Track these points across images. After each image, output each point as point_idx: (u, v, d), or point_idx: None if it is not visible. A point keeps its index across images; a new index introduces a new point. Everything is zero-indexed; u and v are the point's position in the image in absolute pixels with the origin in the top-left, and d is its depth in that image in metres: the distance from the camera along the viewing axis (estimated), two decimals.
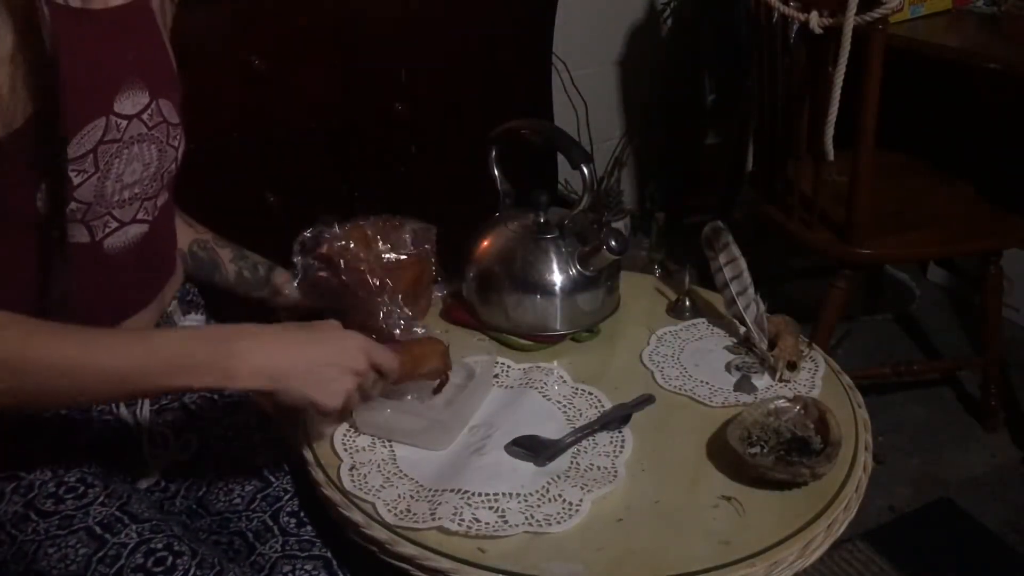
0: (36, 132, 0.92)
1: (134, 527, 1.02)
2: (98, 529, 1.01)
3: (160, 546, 1.01)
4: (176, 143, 1.10)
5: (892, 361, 2.18)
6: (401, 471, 1.04)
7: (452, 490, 1.00)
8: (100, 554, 1.00)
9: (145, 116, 1.04)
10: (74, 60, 0.94)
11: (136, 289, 1.12)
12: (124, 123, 1.01)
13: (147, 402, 1.14)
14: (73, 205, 0.98)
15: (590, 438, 1.08)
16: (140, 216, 1.08)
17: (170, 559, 1.00)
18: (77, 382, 0.89)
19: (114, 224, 1.05)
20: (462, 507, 0.97)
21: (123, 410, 1.12)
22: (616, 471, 1.03)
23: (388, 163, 2.04)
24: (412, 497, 0.99)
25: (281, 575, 1.05)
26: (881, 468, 2.04)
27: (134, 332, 0.98)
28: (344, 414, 1.05)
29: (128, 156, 1.02)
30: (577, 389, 1.17)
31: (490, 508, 0.98)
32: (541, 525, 0.96)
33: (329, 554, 1.07)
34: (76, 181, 0.97)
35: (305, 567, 1.05)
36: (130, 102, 1.02)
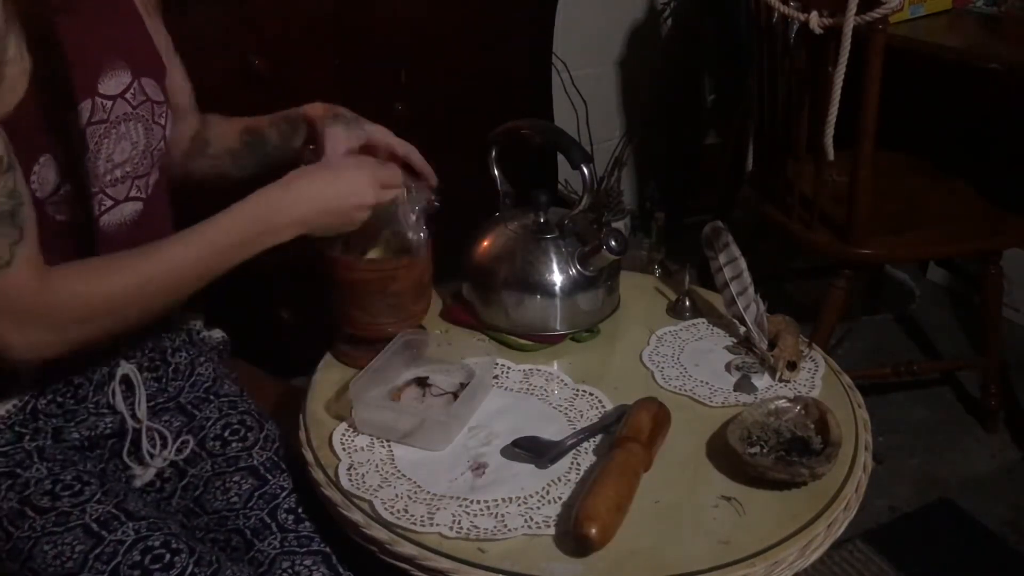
0: (26, 116, 0.93)
1: (131, 524, 1.02)
2: (95, 526, 1.01)
3: (157, 544, 1.01)
4: (163, 121, 1.12)
5: (892, 361, 2.18)
6: (399, 471, 1.03)
7: (451, 497, 1.00)
8: (97, 551, 1.00)
9: (128, 95, 1.06)
10: (61, 44, 0.96)
11: None
12: (109, 103, 1.03)
13: (144, 401, 1.14)
14: (67, 185, 0.99)
15: (591, 439, 1.08)
16: (134, 194, 1.09)
17: (168, 556, 1.00)
18: (167, 292, 1.01)
19: (108, 203, 1.06)
20: (460, 515, 0.97)
21: (121, 406, 1.12)
22: None
23: None
24: (410, 498, 0.99)
25: (280, 570, 1.05)
26: (881, 468, 2.04)
27: (191, 232, 1.02)
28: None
29: (116, 136, 1.05)
30: (578, 391, 1.16)
31: (489, 514, 0.97)
32: (540, 527, 0.96)
33: (328, 549, 1.08)
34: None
35: (304, 563, 1.06)
36: (113, 82, 1.04)
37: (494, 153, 1.32)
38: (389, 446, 1.07)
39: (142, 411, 1.13)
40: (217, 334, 1.30)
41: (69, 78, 0.97)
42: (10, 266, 0.91)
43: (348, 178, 1.09)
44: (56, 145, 0.97)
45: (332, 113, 1.22)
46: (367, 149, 1.22)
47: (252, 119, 1.30)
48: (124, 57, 1.06)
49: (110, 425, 1.12)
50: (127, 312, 0.99)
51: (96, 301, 0.97)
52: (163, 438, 1.15)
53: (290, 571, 1.05)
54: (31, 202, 0.95)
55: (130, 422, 1.13)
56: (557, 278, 1.24)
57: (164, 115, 1.12)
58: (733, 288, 1.27)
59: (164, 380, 1.19)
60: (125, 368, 1.13)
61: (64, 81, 0.97)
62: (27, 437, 1.07)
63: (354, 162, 1.15)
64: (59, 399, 1.09)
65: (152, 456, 1.14)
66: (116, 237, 1.07)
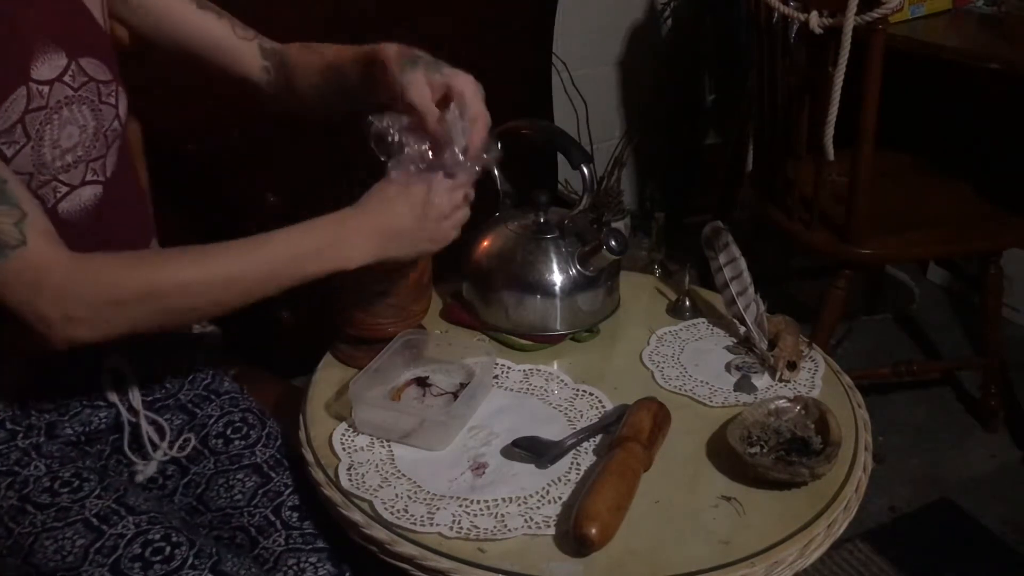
0: None
1: (131, 519, 1.02)
2: (95, 521, 1.02)
3: (158, 537, 1.01)
4: (112, 100, 1.08)
5: (892, 361, 2.18)
6: (399, 471, 1.04)
7: (451, 497, 1.00)
8: (97, 545, 1.00)
9: (67, 78, 1.02)
10: None
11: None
12: (46, 89, 1.00)
13: (139, 394, 1.14)
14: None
15: (591, 439, 1.08)
16: (90, 178, 1.06)
17: (168, 549, 1.00)
18: (214, 295, 0.98)
19: (64, 189, 1.04)
20: (460, 515, 0.97)
21: (113, 397, 1.12)
22: None
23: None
24: (410, 498, 0.99)
25: (286, 567, 1.05)
26: (881, 468, 2.04)
27: (253, 240, 1.00)
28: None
29: (60, 121, 1.01)
30: (578, 391, 1.16)
31: (489, 514, 0.98)
32: (540, 527, 0.96)
33: (331, 546, 1.08)
34: (8, 153, 0.97)
35: (310, 559, 1.06)
36: (47, 67, 1.00)
37: None
38: (389, 446, 1.07)
39: (136, 401, 1.13)
40: (213, 331, 1.30)
41: None
42: (25, 245, 0.90)
43: (397, 197, 1.04)
44: None
45: (409, 55, 1.09)
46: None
47: (337, 50, 1.18)
48: (56, 39, 1.02)
49: (104, 420, 1.12)
50: (169, 305, 0.96)
51: (132, 285, 0.94)
52: (161, 430, 1.15)
53: (296, 568, 1.05)
54: (18, 180, 0.93)
55: (125, 415, 1.13)
56: (557, 278, 1.24)
57: (113, 94, 1.08)
58: (733, 288, 1.27)
59: (162, 377, 1.18)
60: (113, 359, 1.12)
61: None
62: (20, 435, 1.07)
63: (422, 184, 1.05)
64: (49, 394, 1.09)
65: (155, 447, 1.14)
66: (79, 223, 1.05)
